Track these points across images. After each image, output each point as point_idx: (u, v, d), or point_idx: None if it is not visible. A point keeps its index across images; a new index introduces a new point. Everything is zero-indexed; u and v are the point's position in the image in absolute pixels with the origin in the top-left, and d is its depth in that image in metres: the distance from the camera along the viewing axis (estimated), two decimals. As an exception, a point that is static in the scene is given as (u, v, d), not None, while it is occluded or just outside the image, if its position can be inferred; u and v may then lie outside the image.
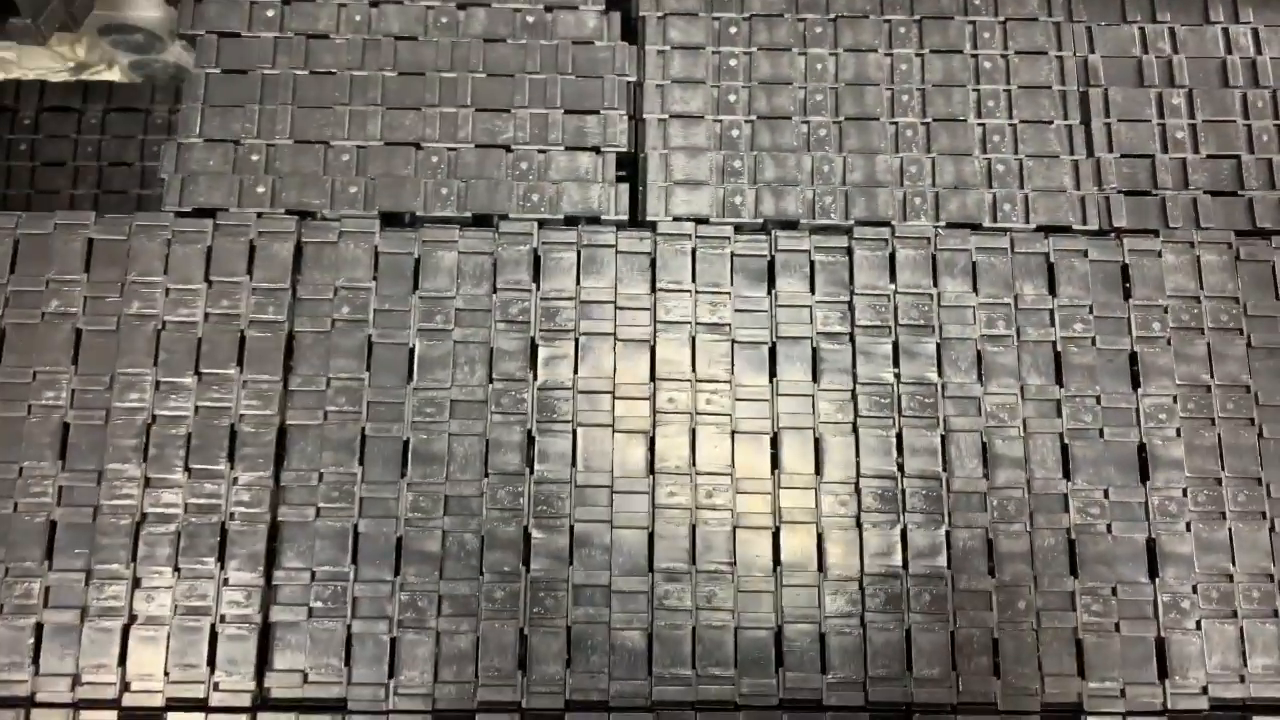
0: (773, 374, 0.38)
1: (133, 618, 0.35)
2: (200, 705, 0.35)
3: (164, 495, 0.36)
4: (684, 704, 0.35)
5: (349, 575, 0.36)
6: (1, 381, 0.37)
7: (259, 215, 0.39)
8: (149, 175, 0.50)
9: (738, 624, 0.36)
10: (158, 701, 0.35)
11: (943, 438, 0.38)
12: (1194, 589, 0.37)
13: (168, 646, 0.35)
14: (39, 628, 0.35)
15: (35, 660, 0.35)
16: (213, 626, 0.35)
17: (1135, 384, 0.39)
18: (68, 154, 0.50)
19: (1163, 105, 0.42)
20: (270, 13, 0.41)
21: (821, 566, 0.36)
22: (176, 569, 0.36)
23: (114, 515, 0.36)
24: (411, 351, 0.38)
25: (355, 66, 0.41)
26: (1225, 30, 0.43)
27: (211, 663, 0.35)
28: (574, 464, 0.37)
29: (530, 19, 0.42)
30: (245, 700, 0.35)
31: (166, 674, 0.35)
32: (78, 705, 0.35)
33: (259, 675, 0.35)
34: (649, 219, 0.40)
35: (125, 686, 0.35)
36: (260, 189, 0.39)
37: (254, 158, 0.39)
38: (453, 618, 0.36)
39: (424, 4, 0.41)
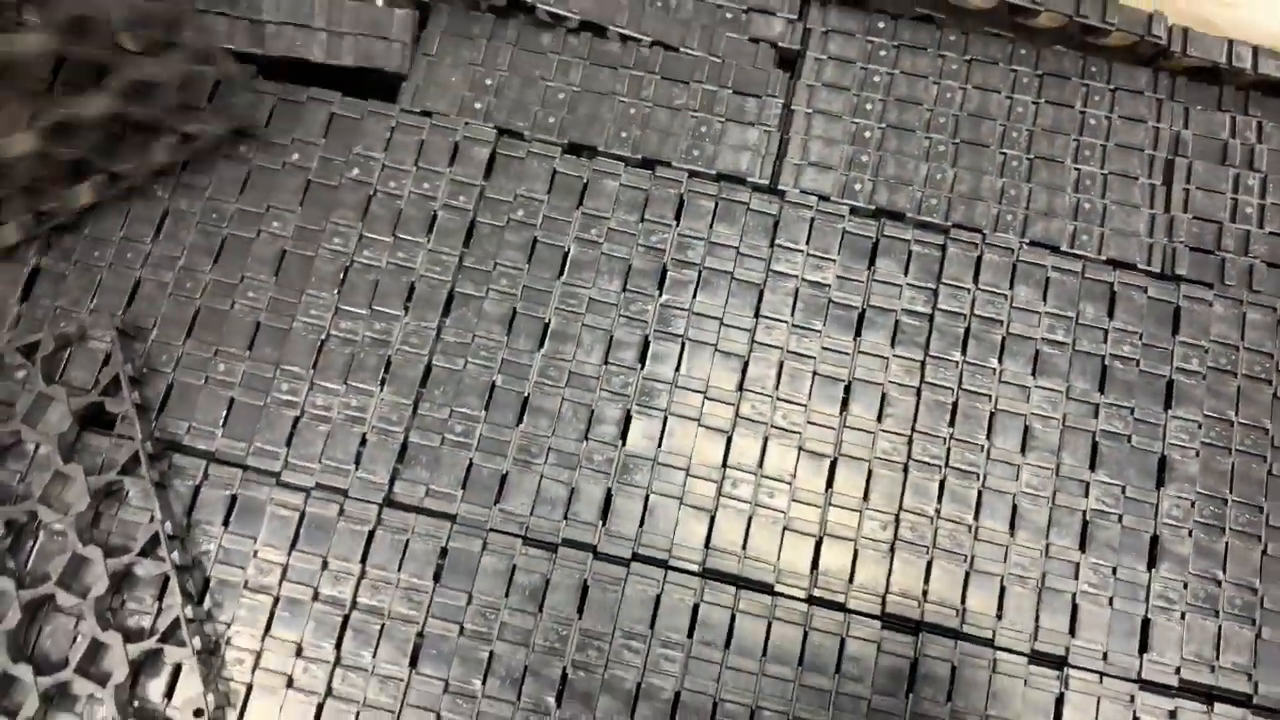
0: (858, 334, 0.45)
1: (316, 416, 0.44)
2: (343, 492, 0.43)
3: (343, 323, 0.45)
4: (728, 575, 0.42)
5: (480, 417, 0.44)
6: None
7: (466, 124, 0.48)
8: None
9: (787, 525, 0.43)
10: (310, 482, 0.43)
11: (991, 414, 0.44)
12: (1185, 585, 0.42)
13: (324, 441, 0.43)
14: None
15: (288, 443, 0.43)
16: (364, 435, 0.43)
17: (1167, 405, 0.45)
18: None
19: (1238, 183, 0.48)
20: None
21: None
22: (345, 381, 0.44)
23: (306, 333, 0.45)
24: (566, 254, 0.46)
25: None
26: (1307, 134, 0.49)
27: (357, 461, 0.43)
28: (678, 368, 0.44)
29: (729, 15, 0.50)
30: (377, 496, 0.43)
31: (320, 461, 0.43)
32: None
33: (390, 481, 0.43)
34: (780, 188, 0.47)
35: (286, 464, 0.43)
36: (478, 105, 0.48)
37: (481, 79, 0.48)
38: (555, 467, 0.43)
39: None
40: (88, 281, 0.45)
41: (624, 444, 0.43)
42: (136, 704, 0.40)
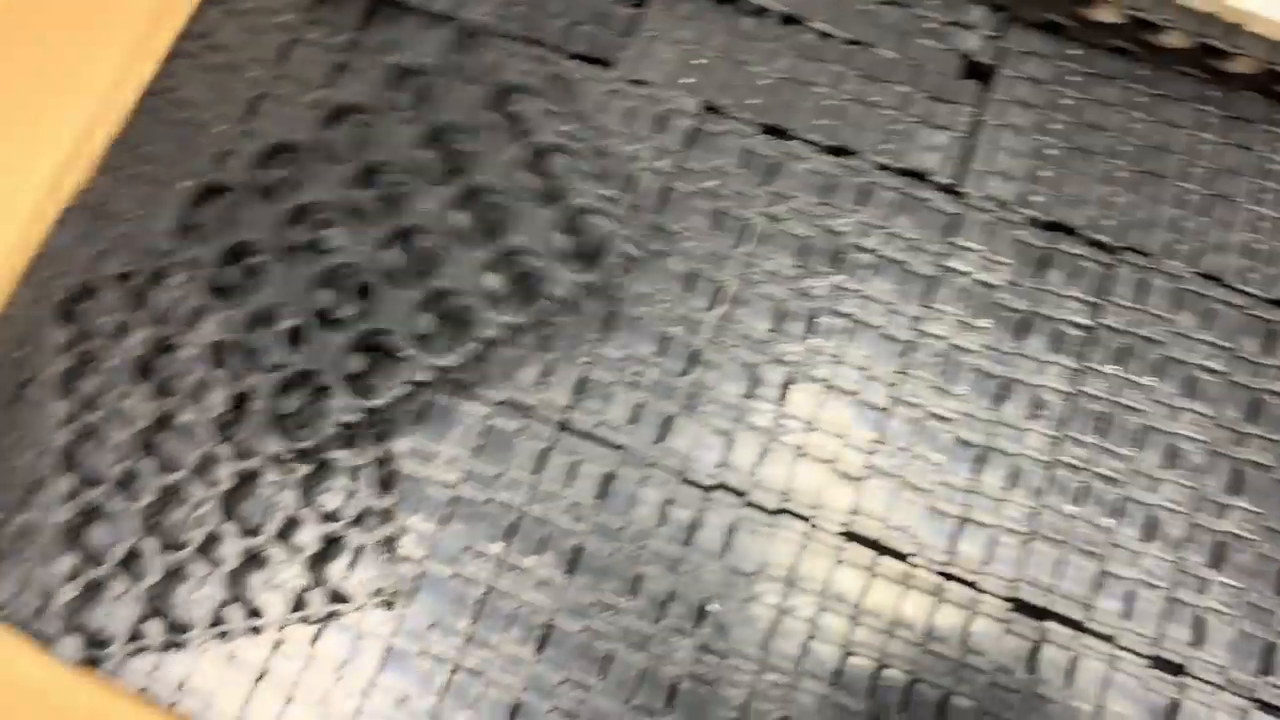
0: (1020, 336, 0.47)
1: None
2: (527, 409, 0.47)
3: (543, 263, 0.49)
4: (869, 540, 0.45)
5: (658, 364, 0.47)
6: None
7: (674, 96, 0.51)
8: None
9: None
10: (499, 397, 0.47)
11: (1141, 427, 0.46)
12: (1312, 618, 0.44)
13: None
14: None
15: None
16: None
17: (1318, 446, 0.46)
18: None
19: None
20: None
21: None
22: (537, 314, 0.48)
23: (505, 264, 0.49)
24: (748, 225, 0.49)
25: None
26: None
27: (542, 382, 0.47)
28: (843, 345, 0.47)
29: (928, 25, 0.53)
30: (556, 418, 0.47)
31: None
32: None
33: (568, 409, 0.47)
34: (962, 190, 0.50)
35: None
36: (686, 81, 0.52)
37: (692, 58, 0.52)
38: (716, 418, 0.46)
39: None
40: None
41: (782, 407, 0.47)
42: (321, 577, 0.45)
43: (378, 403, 0.45)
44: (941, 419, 0.46)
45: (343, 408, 0.44)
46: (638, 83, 0.52)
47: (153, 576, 0.44)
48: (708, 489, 0.46)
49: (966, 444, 0.46)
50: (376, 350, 0.46)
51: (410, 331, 0.46)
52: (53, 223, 0.52)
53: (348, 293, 0.46)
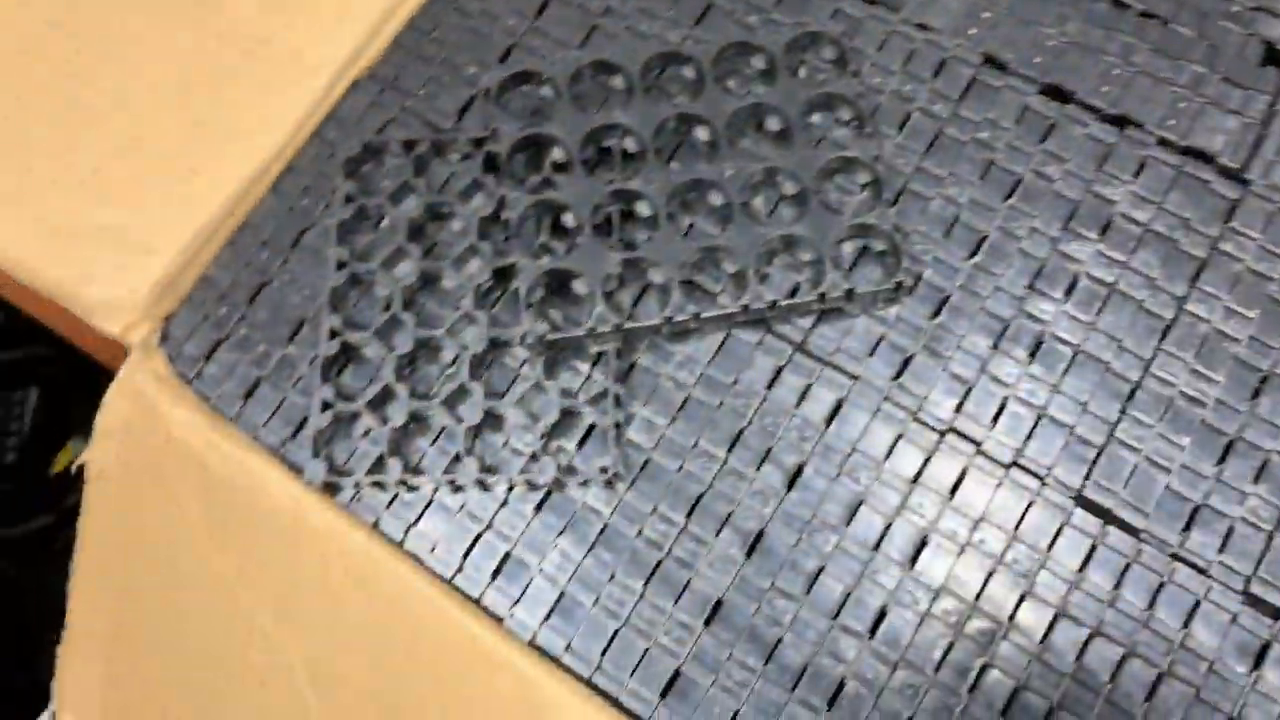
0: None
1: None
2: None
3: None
4: (1102, 508, 0.44)
5: (904, 302, 0.48)
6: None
7: (958, 44, 0.51)
8: None
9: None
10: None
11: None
12: None
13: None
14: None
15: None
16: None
17: None
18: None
19: None
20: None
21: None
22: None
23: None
24: (1019, 180, 0.49)
25: None
26: None
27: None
28: (1096, 313, 0.46)
29: (1235, 7, 0.51)
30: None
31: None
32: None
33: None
34: (1247, 176, 0.48)
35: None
36: (972, 31, 0.52)
37: (980, 8, 0.52)
38: (967, 368, 0.46)
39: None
40: (599, 94, 0.52)
41: (1032, 362, 0.46)
42: (553, 446, 0.47)
43: (630, 325, 0.46)
44: (1194, 401, 0.45)
45: (598, 316, 0.46)
46: (921, 26, 0.52)
47: (398, 420, 0.47)
48: (941, 433, 0.46)
49: (1216, 431, 0.44)
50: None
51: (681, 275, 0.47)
52: (345, 90, 0.56)
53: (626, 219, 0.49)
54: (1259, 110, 0.49)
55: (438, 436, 0.47)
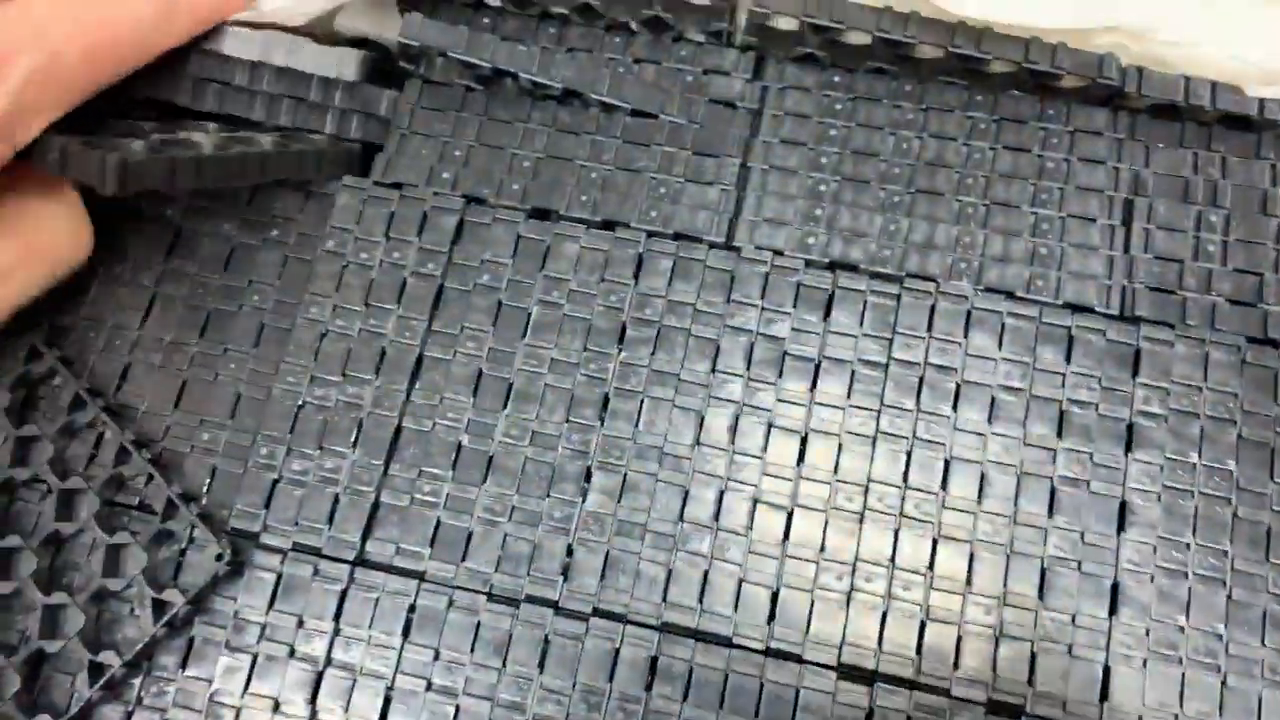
0: (813, 386, 0.46)
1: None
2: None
3: (321, 390, 0.47)
4: (686, 629, 0.43)
5: (448, 477, 0.45)
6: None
7: (435, 193, 0.50)
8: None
9: (744, 576, 0.43)
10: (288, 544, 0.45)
11: (946, 461, 0.44)
12: (1147, 632, 0.42)
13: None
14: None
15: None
16: (336, 495, 0.45)
17: (1128, 449, 0.44)
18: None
19: (1201, 221, 0.48)
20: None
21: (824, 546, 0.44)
22: (320, 448, 0.46)
23: (287, 400, 0.47)
24: (529, 315, 0.48)
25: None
26: (1274, 165, 0.48)
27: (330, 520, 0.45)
28: (636, 425, 0.46)
29: (690, 78, 0.51)
30: (350, 555, 0.45)
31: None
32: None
33: (363, 540, 0.45)
34: (735, 244, 0.48)
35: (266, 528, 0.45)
36: (445, 175, 0.50)
37: (450, 150, 0.50)
38: (520, 524, 0.45)
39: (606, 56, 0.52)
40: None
41: (584, 502, 0.45)
42: None
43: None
44: (741, 484, 0.45)
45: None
46: (395, 186, 0.50)
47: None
48: (516, 603, 0.44)
49: (773, 506, 0.44)
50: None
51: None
52: None
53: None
54: (731, 175, 0.49)
55: None
